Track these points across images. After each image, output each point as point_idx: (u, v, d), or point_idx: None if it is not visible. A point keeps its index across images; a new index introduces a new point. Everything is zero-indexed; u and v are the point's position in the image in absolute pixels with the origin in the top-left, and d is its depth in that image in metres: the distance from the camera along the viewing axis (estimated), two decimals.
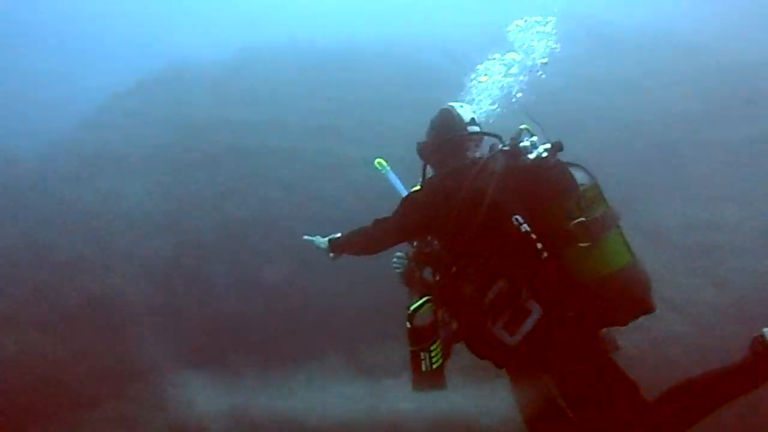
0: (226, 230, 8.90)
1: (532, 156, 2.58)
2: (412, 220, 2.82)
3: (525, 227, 2.41)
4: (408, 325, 2.75)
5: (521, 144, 2.66)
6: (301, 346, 7.95)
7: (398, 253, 3.29)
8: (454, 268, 2.60)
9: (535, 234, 2.40)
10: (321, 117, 11.54)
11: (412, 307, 2.77)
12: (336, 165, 10.37)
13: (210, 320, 7.96)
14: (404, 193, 3.31)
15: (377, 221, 3.07)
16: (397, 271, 3.28)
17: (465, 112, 3.06)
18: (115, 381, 6.81)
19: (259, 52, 14.10)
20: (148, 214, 8.95)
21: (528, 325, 2.38)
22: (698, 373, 2.49)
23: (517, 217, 2.43)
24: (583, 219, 2.35)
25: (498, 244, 2.46)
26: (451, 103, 3.14)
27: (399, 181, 3.48)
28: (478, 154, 2.95)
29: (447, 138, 2.95)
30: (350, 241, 3.29)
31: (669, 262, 7.03)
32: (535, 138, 2.68)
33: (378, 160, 3.50)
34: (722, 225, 7.87)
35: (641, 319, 2.43)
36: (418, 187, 3.20)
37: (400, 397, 6.82)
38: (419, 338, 2.73)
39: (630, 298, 2.36)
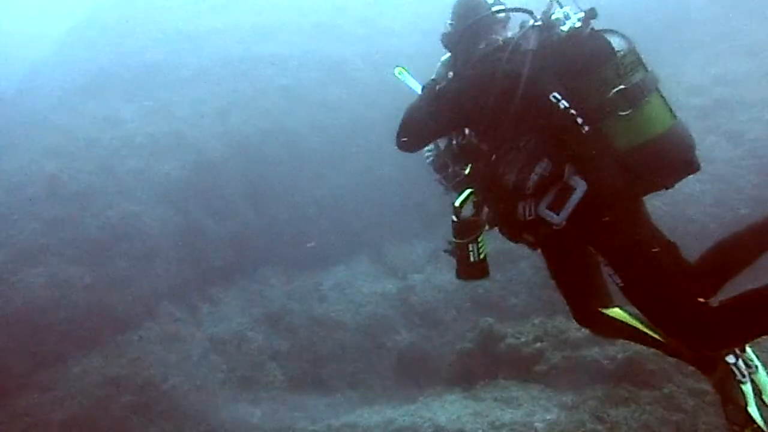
0: (234, 145, 8.70)
1: (565, 28, 2.46)
2: (447, 112, 2.64)
3: (564, 103, 2.34)
4: (454, 219, 2.75)
5: (553, 17, 2.53)
6: (324, 251, 8.04)
7: (430, 147, 3.13)
8: (494, 156, 2.51)
9: (575, 109, 2.33)
10: (316, 16, 11.01)
11: (458, 201, 2.75)
12: (338, 67, 10.01)
13: (231, 236, 7.97)
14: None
15: (407, 118, 2.85)
16: (429, 160, 3.15)
17: None
18: (149, 301, 6.90)
19: None
20: (152, 135, 8.71)
21: (573, 201, 2.35)
22: (720, 232, 2.53)
23: (555, 94, 2.36)
24: (623, 86, 2.28)
25: (537, 124, 2.40)
26: None
27: (420, 87, 3.16)
28: (509, 34, 2.77)
29: (472, 22, 2.75)
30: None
31: None
32: (567, 8, 2.54)
33: (398, 68, 3.25)
34: (731, 79, 7.69)
35: None
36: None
37: (427, 288, 6.98)
38: (467, 231, 2.76)
39: (676, 159, 2.34)
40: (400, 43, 10.48)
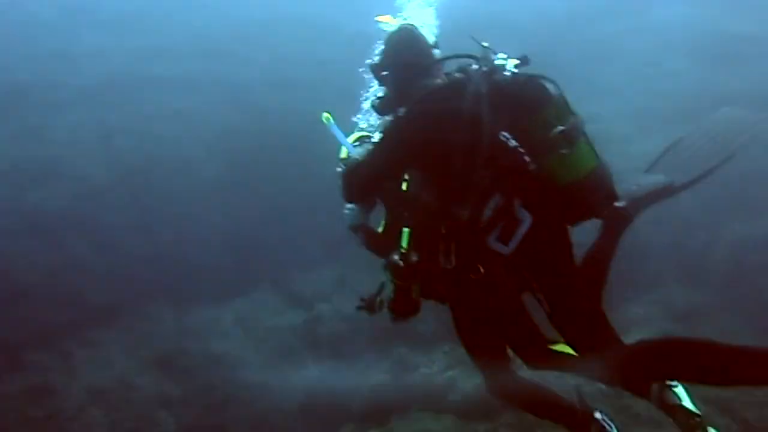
0: (119, 172, 7.97)
1: (507, 72, 2.62)
2: (402, 149, 2.65)
3: (512, 142, 2.51)
4: (401, 263, 2.71)
5: (496, 62, 2.68)
6: (222, 283, 7.41)
7: (349, 206, 3.09)
8: (440, 195, 2.60)
9: (522, 147, 2.51)
10: (211, 39, 10.47)
11: (404, 246, 2.74)
12: (235, 92, 9.53)
13: (114, 270, 7.19)
14: (350, 149, 3.08)
15: (349, 167, 2.88)
16: (351, 223, 3.09)
17: (426, 33, 2.94)
18: (10, 351, 5.98)
19: None
20: (19, 162, 7.78)
21: (521, 232, 2.53)
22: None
23: (504, 133, 2.52)
24: (562, 128, 2.50)
25: (489, 162, 2.51)
26: (408, 23, 2.94)
27: (344, 136, 3.14)
28: (444, 77, 2.82)
29: (412, 60, 2.78)
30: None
31: None
32: (503, 55, 2.70)
33: (325, 114, 3.16)
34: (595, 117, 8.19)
35: None
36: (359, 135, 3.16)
37: (335, 318, 6.61)
38: (411, 273, 2.74)
39: (603, 192, 2.60)
40: (298, 70, 10.19)
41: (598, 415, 2.76)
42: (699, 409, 2.46)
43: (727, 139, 3.06)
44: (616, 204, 2.68)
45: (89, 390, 5.75)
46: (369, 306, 3.00)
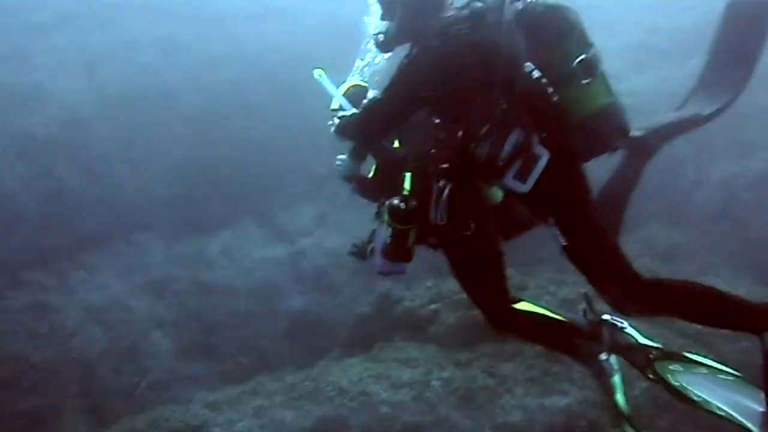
0: (104, 101, 8.07)
1: (528, 2, 2.52)
2: (423, 85, 2.53)
3: (536, 73, 2.43)
4: (403, 206, 2.73)
5: None
6: (207, 216, 7.73)
7: (341, 156, 3.07)
8: (461, 132, 2.50)
9: (545, 78, 2.43)
10: None
11: (407, 188, 2.77)
12: (217, 21, 9.51)
13: (103, 198, 7.43)
14: (344, 104, 2.99)
15: (372, 101, 2.76)
16: (344, 173, 3.08)
17: None
18: (12, 269, 6.30)
19: None
20: (6, 85, 7.77)
21: (538, 169, 2.46)
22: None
23: (528, 63, 2.43)
24: (584, 57, 2.44)
25: (511, 94, 2.45)
26: None
27: (336, 89, 3.10)
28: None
29: None
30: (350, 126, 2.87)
31: None
32: None
33: (317, 70, 3.11)
34: None
35: None
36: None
37: (318, 252, 7.00)
38: (412, 217, 2.76)
39: (617, 126, 2.56)
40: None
41: (606, 316, 2.71)
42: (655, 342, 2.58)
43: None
44: (638, 134, 2.63)
45: (87, 309, 6.12)
46: (361, 253, 3.11)
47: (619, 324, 2.67)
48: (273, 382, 4.73)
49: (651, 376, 2.54)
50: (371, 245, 3.05)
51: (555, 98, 2.43)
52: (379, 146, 2.99)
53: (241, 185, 8.06)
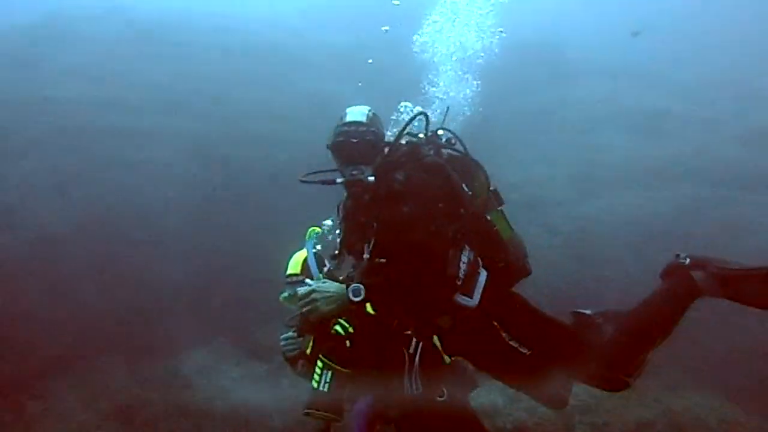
0: (77, 222, 7.92)
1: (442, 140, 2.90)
2: (425, 206, 2.62)
3: (470, 192, 2.70)
4: (348, 344, 2.65)
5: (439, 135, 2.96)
6: (178, 336, 7.34)
7: (287, 333, 2.95)
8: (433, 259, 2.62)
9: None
10: (166, 92, 10.65)
11: (344, 330, 2.65)
12: (192, 144, 9.68)
13: (68, 320, 7.04)
14: (314, 269, 2.95)
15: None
16: (292, 352, 2.95)
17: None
18: None
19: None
20: None
21: (480, 283, 2.57)
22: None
23: (465, 187, 2.70)
24: (494, 188, 2.78)
25: (460, 213, 2.62)
26: (355, 107, 2.94)
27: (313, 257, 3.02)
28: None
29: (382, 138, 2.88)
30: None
31: None
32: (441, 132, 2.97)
33: (312, 228, 3.15)
34: (537, 182, 8.88)
35: None
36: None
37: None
38: (353, 358, 2.69)
39: (524, 251, 2.86)
40: (253, 125, 10.45)
41: None
42: None
43: None
44: (683, 261, 2.68)
45: None
46: None
47: None
48: None
49: None
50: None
51: (488, 219, 2.70)
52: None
53: (217, 303, 7.80)
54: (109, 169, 8.89)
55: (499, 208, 2.76)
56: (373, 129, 2.77)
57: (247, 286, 8.00)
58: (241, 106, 10.69)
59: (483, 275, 2.60)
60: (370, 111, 2.85)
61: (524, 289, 6.35)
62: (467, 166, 2.74)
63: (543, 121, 10.27)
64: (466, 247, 2.59)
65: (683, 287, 2.64)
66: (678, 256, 2.72)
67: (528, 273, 2.84)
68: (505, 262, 2.69)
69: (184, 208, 8.70)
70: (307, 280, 2.77)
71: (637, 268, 6.76)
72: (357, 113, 2.82)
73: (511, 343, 2.62)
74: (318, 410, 2.62)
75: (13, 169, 8.54)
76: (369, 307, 2.65)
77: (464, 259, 2.56)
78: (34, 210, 7.86)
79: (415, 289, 2.54)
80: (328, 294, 2.60)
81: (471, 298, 2.55)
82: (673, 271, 2.70)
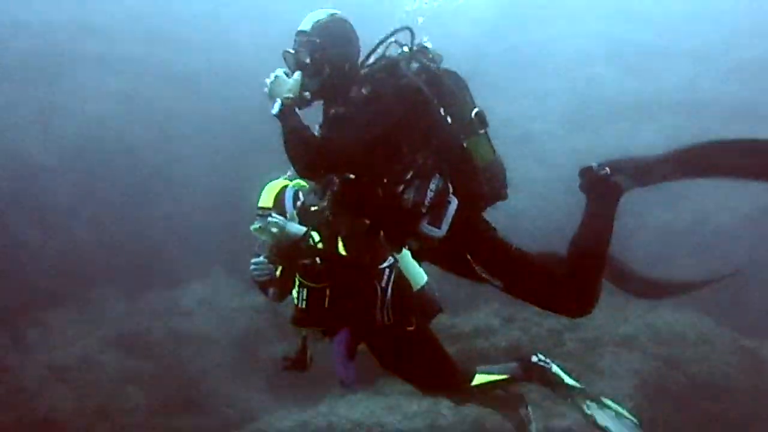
0: (61, 152, 7.79)
1: (423, 62, 2.65)
2: (383, 128, 2.46)
3: (449, 119, 2.53)
4: (318, 263, 2.73)
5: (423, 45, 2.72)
6: (174, 270, 7.34)
7: (258, 259, 2.95)
8: (386, 179, 2.52)
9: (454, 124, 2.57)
10: (151, 21, 10.20)
11: (321, 243, 2.77)
12: (179, 77, 9.38)
13: (60, 252, 7.03)
14: (289, 203, 2.96)
15: (324, 138, 2.62)
16: (263, 277, 2.98)
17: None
18: None
19: None
20: None
21: (450, 213, 2.49)
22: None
23: (441, 111, 2.53)
24: (479, 110, 2.59)
25: (430, 139, 2.53)
26: (317, 12, 2.70)
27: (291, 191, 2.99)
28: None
29: (355, 50, 2.67)
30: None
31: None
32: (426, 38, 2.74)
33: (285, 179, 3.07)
34: (537, 115, 8.88)
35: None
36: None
37: None
38: (326, 275, 2.76)
39: (503, 177, 2.72)
40: (241, 58, 10.16)
41: (534, 359, 3.09)
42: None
43: None
44: (603, 172, 2.65)
45: (50, 368, 5.60)
46: (298, 363, 2.97)
47: (546, 365, 3.07)
48: (282, 420, 4.39)
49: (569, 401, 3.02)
50: (310, 353, 2.98)
51: (464, 144, 2.56)
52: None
53: (210, 237, 7.76)
54: (92, 100, 8.60)
55: (482, 132, 2.61)
56: (314, 39, 2.56)
57: (245, 219, 7.97)
58: (231, 37, 10.34)
59: (453, 204, 2.50)
60: (328, 17, 2.62)
61: (519, 222, 6.63)
62: (450, 86, 2.61)
63: (535, 56, 10.18)
64: (437, 175, 2.50)
65: (612, 196, 2.67)
66: (591, 167, 2.65)
67: (503, 198, 2.74)
68: (479, 191, 2.60)
69: (174, 142, 8.56)
70: (272, 217, 2.79)
71: (630, 199, 6.87)
72: (308, 20, 2.61)
73: (483, 275, 2.60)
74: (296, 324, 2.84)
75: None
76: (341, 247, 2.76)
77: (432, 187, 2.47)
78: (16, 141, 7.61)
79: (374, 218, 2.54)
80: (290, 234, 2.73)
81: (439, 228, 2.49)
82: (596, 184, 2.66)
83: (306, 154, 2.49)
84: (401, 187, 2.45)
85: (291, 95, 2.51)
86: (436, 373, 2.98)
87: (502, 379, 3.07)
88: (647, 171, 2.68)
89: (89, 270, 7.03)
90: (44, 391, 5.33)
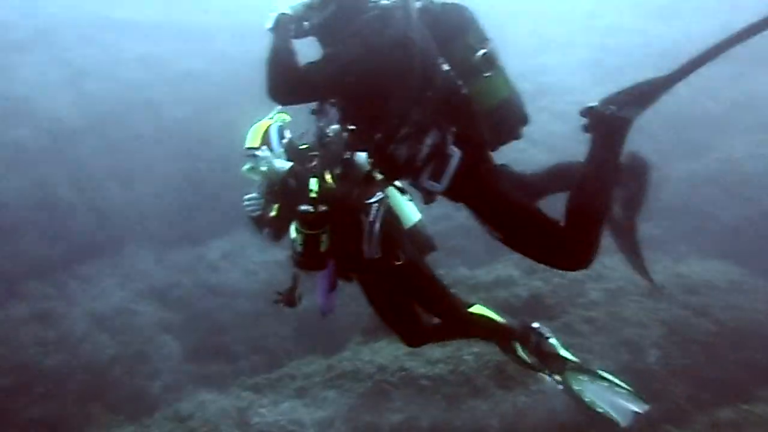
0: (93, 115, 8.03)
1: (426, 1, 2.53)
2: (360, 76, 2.39)
3: (446, 67, 2.42)
4: (311, 210, 2.69)
5: None
6: (198, 226, 7.67)
7: (250, 195, 2.95)
8: (379, 135, 2.43)
9: (454, 71, 2.43)
10: None
11: (314, 191, 2.72)
12: (199, 38, 9.57)
13: (94, 210, 7.38)
14: (275, 140, 2.93)
15: (310, 64, 2.50)
16: (255, 212, 2.98)
17: None
18: (10, 279, 6.12)
19: None
20: None
21: (451, 168, 2.42)
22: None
23: (440, 58, 2.42)
24: (485, 50, 2.43)
25: (424, 94, 2.40)
26: None
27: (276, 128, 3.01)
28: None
29: None
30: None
31: None
32: None
33: (278, 113, 3.09)
34: (549, 69, 8.94)
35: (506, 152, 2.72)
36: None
37: None
38: (323, 220, 2.75)
39: (521, 114, 2.57)
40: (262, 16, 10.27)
41: (536, 324, 3.00)
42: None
43: None
44: (609, 111, 2.50)
45: (92, 316, 6.01)
46: (288, 300, 3.02)
47: (545, 334, 3.00)
48: (308, 365, 4.75)
49: (558, 379, 2.95)
50: (298, 290, 3.03)
51: (464, 90, 2.44)
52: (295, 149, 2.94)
53: (233, 194, 8.01)
54: (119, 64, 8.85)
55: (488, 74, 2.45)
56: None
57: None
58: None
59: (455, 158, 2.41)
60: None
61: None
62: (453, 26, 2.48)
63: (552, 7, 10.11)
64: (433, 129, 2.41)
65: (620, 132, 2.54)
66: (594, 107, 2.51)
67: (516, 137, 2.61)
68: (478, 139, 2.49)
69: (194, 103, 8.77)
70: (260, 152, 2.84)
71: (648, 148, 6.87)
72: None
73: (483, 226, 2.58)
74: (296, 266, 2.86)
75: (22, 59, 8.47)
76: (329, 178, 2.75)
77: (428, 141, 2.40)
78: (49, 103, 7.90)
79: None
80: (278, 170, 2.78)
81: (439, 183, 2.42)
82: (603, 123, 2.53)
83: (280, 75, 2.40)
84: (392, 146, 2.37)
85: (290, 12, 2.48)
86: (428, 308, 2.98)
87: (499, 323, 3.01)
88: (651, 89, 2.50)
89: (120, 227, 7.38)
90: (88, 338, 5.74)
